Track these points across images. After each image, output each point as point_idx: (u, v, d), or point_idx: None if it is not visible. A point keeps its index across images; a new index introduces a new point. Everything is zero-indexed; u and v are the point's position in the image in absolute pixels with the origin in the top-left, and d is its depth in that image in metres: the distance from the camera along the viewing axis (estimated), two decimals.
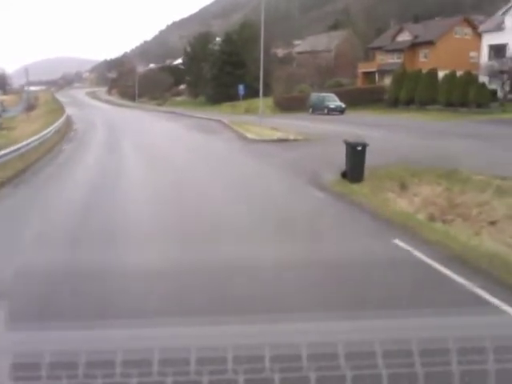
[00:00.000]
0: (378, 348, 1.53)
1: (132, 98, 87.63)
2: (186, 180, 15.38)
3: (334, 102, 46.07)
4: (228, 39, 67.04)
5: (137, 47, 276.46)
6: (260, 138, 25.09)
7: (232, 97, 64.12)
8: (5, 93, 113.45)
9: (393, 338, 1.56)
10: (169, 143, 25.90)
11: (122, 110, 67.17)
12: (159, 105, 75.94)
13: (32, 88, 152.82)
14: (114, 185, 14.62)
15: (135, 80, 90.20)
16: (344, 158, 14.29)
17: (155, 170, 17.31)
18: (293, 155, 19.69)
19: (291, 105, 51.13)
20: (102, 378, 1.52)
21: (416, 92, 47.41)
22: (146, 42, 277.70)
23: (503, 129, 29.72)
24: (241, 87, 49.19)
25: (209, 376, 1.53)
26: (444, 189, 12.83)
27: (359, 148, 13.59)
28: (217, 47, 69.71)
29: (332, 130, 28.90)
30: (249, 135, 26.51)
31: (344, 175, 14.10)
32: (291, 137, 25.09)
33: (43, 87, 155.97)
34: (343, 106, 45.56)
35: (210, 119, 43.10)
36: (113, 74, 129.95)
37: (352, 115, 43.59)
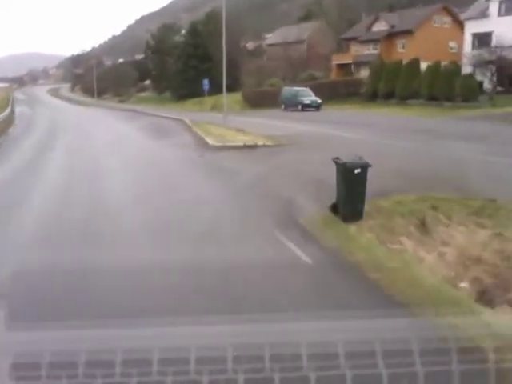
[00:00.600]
0: (377, 347, 1.50)
1: (98, 94, 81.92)
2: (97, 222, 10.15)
3: (309, 96, 41.29)
4: (193, 30, 61.86)
5: (105, 42, 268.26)
6: (221, 144, 20.25)
7: (198, 92, 58.95)
8: None
9: (392, 338, 1.53)
10: (110, 152, 20.90)
11: (78, 108, 61.49)
12: (121, 102, 70.38)
13: None
14: None
15: (101, 75, 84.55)
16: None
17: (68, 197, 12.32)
18: (260, 170, 14.83)
19: (262, 100, 46.35)
20: (101, 377, 1.51)
21: (396, 84, 43.00)
22: (114, 37, 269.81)
23: (502, 127, 25.39)
24: (205, 82, 44.33)
25: (209, 375, 1.51)
26: (491, 234, 8.22)
27: (357, 171, 8.87)
28: (181, 39, 64.51)
29: (308, 131, 24.25)
30: (209, 140, 21.64)
31: (334, 209, 9.44)
32: (260, 142, 20.30)
33: (6, 84, 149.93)
34: (319, 101, 40.85)
35: (170, 118, 38.07)
36: (79, 70, 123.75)
37: (329, 111, 39.01)
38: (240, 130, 25.43)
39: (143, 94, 77.52)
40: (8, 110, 42.03)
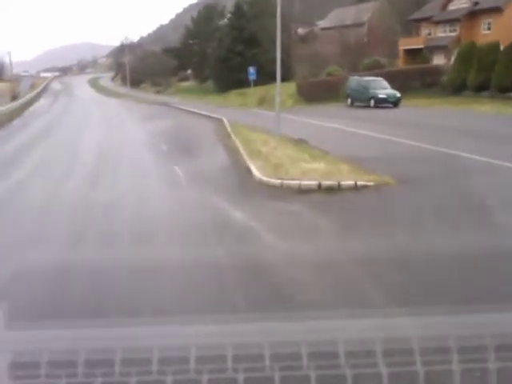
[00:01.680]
0: (378, 346, 1.48)
1: (136, 85, 73.77)
2: None
3: (384, 89, 31.20)
4: (238, 11, 52.55)
5: (153, 31, 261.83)
6: (277, 182, 10.99)
7: (243, 82, 49.91)
8: (2, 80, 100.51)
9: (393, 337, 1.51)
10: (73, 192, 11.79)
11: (108, 100, 53.18)
12: (158, 92, 61.85)
13: (43, 74, 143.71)
14: None
15: (137, 63, 76.43)
16: None
17: None
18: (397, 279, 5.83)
19: (319, 93, 36.75)
20: (101, 376, 1.48)
21: (494, 74, 32.69)
22: (162, 26, 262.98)
23: None
24: (251, 70, 35.35)
25: (208, 375, 1.49)
26: None
27: None
28: (225, 22, 55.39)
29: (417, 149, 14.73)
30: (256, 167, 12.47)
31: None
32: (345, 177, 10.96)
33: (56, 73, 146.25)
34: (398, 94, 30.70)
35: (205, 117, 29.08)
36: (122, 59, 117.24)
37: (411, 109, 29.14)
38: (301, 143, 16.28)
39: (183, 84, 68.85)
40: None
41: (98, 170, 14.10)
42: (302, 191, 10.34)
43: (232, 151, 16.22)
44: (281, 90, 40.00)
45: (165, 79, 67.70)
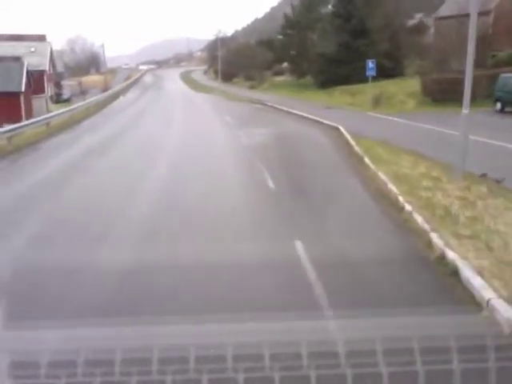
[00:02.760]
0: (378, 346, 1.45)
1: (228, 78, 68.07)
2: None
3: None
4: None
5: (248, 25, 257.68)
6: None
7: (349, 78, 42.46)
8: (98, 72, 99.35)
9: (393, 337, 1.48)
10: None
11: (196, 95, 47.13)
12: (252, 87, 55.47)
13: (141, 67, 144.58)
14: None
15: (230, 57, 70.81)
16: None
17: None
18: None
19: (449, 92, 28.73)
20: (101, 376, 1.44)
21: None
22: (256, 20, 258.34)
23: None
24: (370, 64, 28.36)
25: (208, 374, 1.45)
26: None
27: None
28: (329, 10, 48.01)
29: None
30: (485, 283, 5.49)
31: None
32: None
33: (151, 66, 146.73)
34: None
35: (314, 123, 22.12)
36: (216, 53, 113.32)
37: None
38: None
39: (279, 79, 62.08)
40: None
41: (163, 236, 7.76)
42: None
43: (387, 202, 9.17)
44: (395, 87, 31.98)
45: (259, 73, 61.33)
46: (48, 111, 40.39)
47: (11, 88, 37.44)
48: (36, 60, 58.83)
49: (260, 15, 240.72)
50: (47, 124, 23.15)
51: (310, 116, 24.06)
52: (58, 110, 31.44)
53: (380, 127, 20.08)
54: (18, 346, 1.51)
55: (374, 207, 9.00)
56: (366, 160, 12.71)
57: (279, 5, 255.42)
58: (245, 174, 12.41)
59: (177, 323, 1.65)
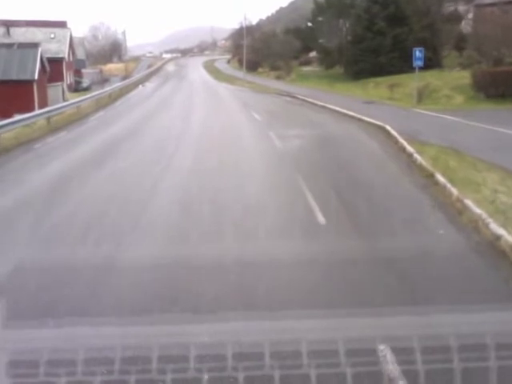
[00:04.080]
0: (378, 345, 1.44)
1: (252, 68, 64.70)
2: None
3: None
4: None
5: (272, 14, 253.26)
6: None
7: (384, 69, 39.11)
8: (120, 60, 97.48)
9: (393, 336, 1.49)
10: None
11: (219, 86, 44.05)
12: (278, 78, 52.15)
13: (164, 55, 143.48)
14: None
15: (255, 45, 67.68)
16: None
17: None
18: None
19: (504, 87, 25.24)
20: (100, 375, 1.45)
21: None
22: (282, 9, 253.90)
23: None
24: (418, 53, 25.02)
25: (208, 373, 1.46)
26: None
27: None
28: None
29: None
30: None
31: None
32: None
33: (175, 55, 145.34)
34: None
35: (356, 121, 18.89)
36: (240, 41, 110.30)
37: None
38: None
39: (306, 69, 58.55)
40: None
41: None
42: None
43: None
44: (438, 79, 28.44)
45: (285, 63, 57.95)
46: (64, 100, 37.91)
47: (24, 76, 34.94)
48: (55, 47, 56.50)
49: (284, 4, 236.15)
50: (47, 120, 20.06)
51: (348, 112, 20.87)
52: (65, 102, 28.94)
53: (434, 127, 16.90)
54: (17, 344, 1.45)
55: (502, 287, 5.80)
56: (439, 178, 9.64)
57: None
58: (283, 201, 9.10)
59: (176, 322, 1.46)
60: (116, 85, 40.93)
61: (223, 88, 41.61)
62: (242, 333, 1.49)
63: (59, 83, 42.92)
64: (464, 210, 7.80)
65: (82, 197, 9.27)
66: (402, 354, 1.48)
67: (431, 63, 40.54)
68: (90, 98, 29.74)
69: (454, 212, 7.93)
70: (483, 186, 8.85)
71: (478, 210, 7.47)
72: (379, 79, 36.43)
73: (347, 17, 46.30)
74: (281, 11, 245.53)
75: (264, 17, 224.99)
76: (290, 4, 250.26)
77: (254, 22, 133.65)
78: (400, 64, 39.18)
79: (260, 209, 8.44)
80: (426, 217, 8.03)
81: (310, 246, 6.64)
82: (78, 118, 22.52)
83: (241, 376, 1.43)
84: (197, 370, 1.41)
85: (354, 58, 42.24)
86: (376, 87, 34.24)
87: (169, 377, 1.42)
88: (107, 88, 38.34)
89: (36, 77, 35.03)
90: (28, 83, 34.69)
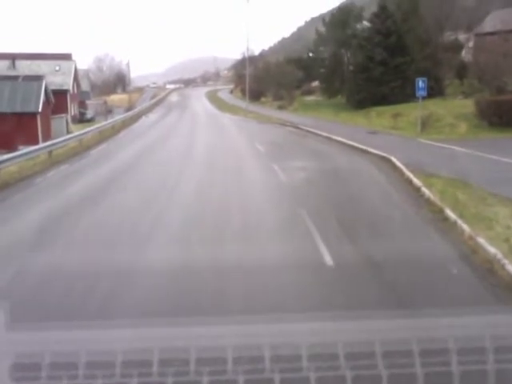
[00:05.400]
0: (377, 348, 1.45)
1: (255, 97, 64.99)
2: None
3: None
4: (382, 12, 41.69)
5: (275, 44, 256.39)
6: None
7: (386, 98, 39.17)
8: (125, 91, 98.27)
9: (393, 339, 1.48)
10: None
11: (223, 116, 44.22)
12: (281, 108, 52.30)
13: (168, 86, 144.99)
14: None
15: (258, 75, 68.31)
16: None
17: None
18: None
19: (508, 115, 25.07)
20: (102, 378, 1.44)
21: None
22: (284, 39, 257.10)
23: None
24: (421, 83, 24.95)
25: (208, 376, 1.44)
26: None
27: None
28: (364, 26, 44.75)
29: None
30: None
31: None
32: None
33: (178, 85, 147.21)
34: None
35: (363, 153, 18.62)
36: (242, 71, 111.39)
37: None
38: None
39: (309, 98, 58.89)
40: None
41: None
42: None
43: None
44: (441, 108, 28.29)
45: (288, 92, 58.25)
46: (68, 132, 37.97)
47: (28, 108, 35.07)
48: (60, 79, 56.97)
49: (287, 35, 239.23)
50: (49, 153, 19.81)
51: (353, 143, 20.65)
52: (68, 134, 28.94)
53: (440, 158, 16.62)
54: (20, 347, 1.46)
55: None
56: (449, 213, 9.30)
57: (306, 24, 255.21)
58: (288, 241, 8.68)
59: (177, 325, 1.47)
60: (118, 117, 41.00)
61: (226, 119, 41.69)
62: (242, 336, 1.49)
63: (63, 115, 43.09)
64: (478, 249, 7.42)
65: (72, 241, 8.87)
66: (401, 357, 1.45)
67: (433, 92, 40.59)
68: (93, 130, 29.74)
69: (472, 253, 7.51)
70: (497, 223, 8.49)
71: (493, 250, 7.10)
72: (381, 108, 36.42)
73: (349, 47, 46.63)
74: (283, 41, 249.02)
75: (266, 47, 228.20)
76: (293, 34, 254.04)
77: (257, 52, 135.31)
78: (402, 93, 39.25)
79: (266, 252, 8.02)
80: (449, 267, 7.56)
81: (321, 292, 6.29)
82: (80, 150, 22.35)
83: (241, 379, 1.44)
84: (197, 373, 1.42)
85: (356, 88, 42.38)
86: (379, 116, 34.16)
87: (170, 380, 1.42)
88: (110, 120, 38.46)
89: (40, 109, 35.15)
90: (32, 115, 34.80)
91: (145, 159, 19.37)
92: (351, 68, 47.20)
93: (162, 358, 1.43)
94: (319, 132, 25.99)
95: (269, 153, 19.22)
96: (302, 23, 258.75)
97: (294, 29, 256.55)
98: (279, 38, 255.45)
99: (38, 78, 48.29)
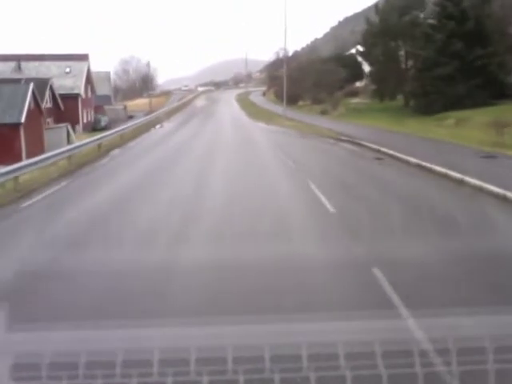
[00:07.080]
0: (377, 348, 1.41)
1: (292, 101, 56.05)
2: None
3: None
4: None
5: (307, 45, 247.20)
6: None
7: (461, 100, 30.24)
8: (150, 95, 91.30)
9: (392, 339, 1.45)
10: None
11: (255, 127, 34.34)
12: (323, 113, 43.54)
13: (199, 88, 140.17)
14: None
15: (294, 75, 59.57)
16: None
17: None
18: None
19: None
20: (102, 378, 1.42)
21: None
22: (316, 40, 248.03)
23: None
24: None
25: (209, 376, 1.42)
26: None
27: None
28: (430, 12, 35.60)
29: None
30: None
31: None
32: None
33: (208, 88, 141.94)
34: None
35: (486, 196, 10.03)
36: (275, 73, 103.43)
37: None
38: None
39: (354, 101, 50.00)
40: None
41: None
42: None
43: None
44: None
45: (329, 95, 49.43)
46: (69, 143, 30.27)
47: (9, 118, 27.49)
48: (70, 82, 49.64)
49: (319, 35, 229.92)
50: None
51: (461, 177, 11.87)
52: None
53: None
54: (20, 347, 1.43)
55: None
56: None
57: (340, 24, 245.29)
58: None
59: (177, 325, 1.54)
60: (124, 126, 33.13)
61: (259, 130, 32.25)
62: (242, 336, 1.45)
63: (63, 124, 35.54)
64: None
65: None
66: (400, 357, 1.39)
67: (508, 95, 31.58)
68: (91, 142, 22.61)
69: None
70: None
71: None
72: (461, 114, 27.49)
73: (407, 37, 37.55)
74: (316, 42, 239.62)
75: (299, 48, 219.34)
76: (326, 35, 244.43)
77: (290, 53, 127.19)
78: (482, 94, 30.30)
79: None
80: None
81: None
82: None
83: (241, 379, 1.40)
84: (197, 373, 1.38)
85: (420, 88, 33.39)
86: (461, 125, 25.25)
87: (170, 380, 1.39)
88: (115, 129, 30.69)
89: (22, 119, 27.46)
90: (13, 127, 27.17)
91: (151, 190, 11.20)
92: (411, 64, 38.19)
93: (161, 358, 1.38)
94: (398, 155, 17.09)
95: (328, 196, 10.44)
96: (335, 23, 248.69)
97: (326, 29, 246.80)
98: (312, 39, 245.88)
99: (43, 82, 40.98)
